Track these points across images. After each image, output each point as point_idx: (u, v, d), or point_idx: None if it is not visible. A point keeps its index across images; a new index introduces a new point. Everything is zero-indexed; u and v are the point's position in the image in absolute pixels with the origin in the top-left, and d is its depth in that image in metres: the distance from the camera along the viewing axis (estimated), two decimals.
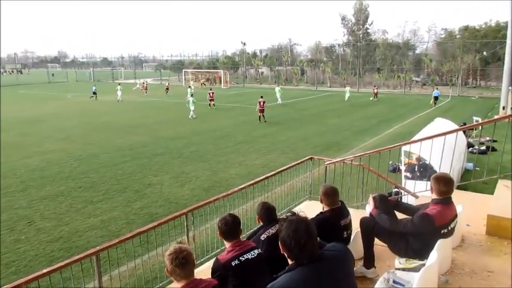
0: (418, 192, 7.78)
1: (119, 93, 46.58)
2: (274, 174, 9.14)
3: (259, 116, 30.08)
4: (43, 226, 11.41)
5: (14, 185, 15.26)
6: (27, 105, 43.17)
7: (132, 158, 19.12)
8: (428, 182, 4.96)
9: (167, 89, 56.52)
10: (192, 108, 32.14)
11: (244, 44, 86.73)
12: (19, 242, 10.42)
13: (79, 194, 14.10)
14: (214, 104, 36.31)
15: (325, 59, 78.17)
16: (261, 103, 30.20)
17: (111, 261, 7.07)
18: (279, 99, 41.72)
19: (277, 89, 44.49)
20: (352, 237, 5.36)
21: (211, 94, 37.30)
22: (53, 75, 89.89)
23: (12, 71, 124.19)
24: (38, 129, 27.58)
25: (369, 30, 77.74)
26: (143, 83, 58.05)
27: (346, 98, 45.10)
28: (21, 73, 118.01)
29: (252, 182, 8.55)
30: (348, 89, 47.67)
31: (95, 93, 49.24)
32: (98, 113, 35.74)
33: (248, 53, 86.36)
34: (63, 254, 9.66)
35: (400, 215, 5.16)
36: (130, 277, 7.28)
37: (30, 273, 7.13)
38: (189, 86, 37.12)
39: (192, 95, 34.37)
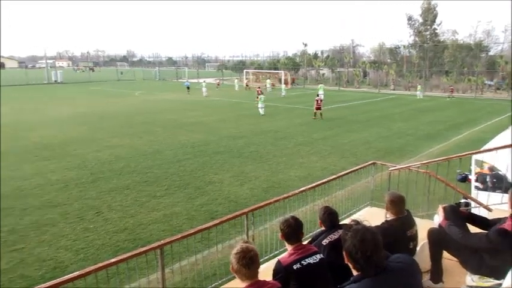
0: (492, 205, 7.31)
1: (204, 89, 51.11)
2: (335, 178, 8.99)
3: (315, 113, 30.92)
4: (110, 217, 11.91)
5: (85, 176, 16.04)
6: (99, 101, 45.29)
7: (194, 156, 19.48)
8: (505, 195, 4.67)
9: (218, 84, 65.14)
10: (261, 106, 33.61)
11: (306, 44, 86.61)
12: (88, 231, 10.93)
13: (143, 188, 14.55)
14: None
15: (389, 60, 76.08)
16: (318, 101, 31.03)
17: (173, 255, 7.28)
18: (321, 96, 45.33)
19: (320, 85, 49.45)
20: (417, 248, 5.15)
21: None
22: (121, 73, 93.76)
23: (85, 69, 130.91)
24: (108, 125, 28.84)
25: (437, 31, 74.46)
26: (218, 81, 65.92)
27: (418, 95, 46.74)
28: (93, 71, 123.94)
29: (313, 185, 8.48)
30: (419, 86, 48.02)
31: (188, 87, 56.24)
32: (162, 110, 36.82)
33: (309, 54, 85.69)
34: (127, 244, 10.02)
35: (472, 228, 4.88)
36: (191, 271, 7.44)
37: (98, 261, 7.53)
38: (261, 92, 38.19)
39: (262, 93, 36.58)
